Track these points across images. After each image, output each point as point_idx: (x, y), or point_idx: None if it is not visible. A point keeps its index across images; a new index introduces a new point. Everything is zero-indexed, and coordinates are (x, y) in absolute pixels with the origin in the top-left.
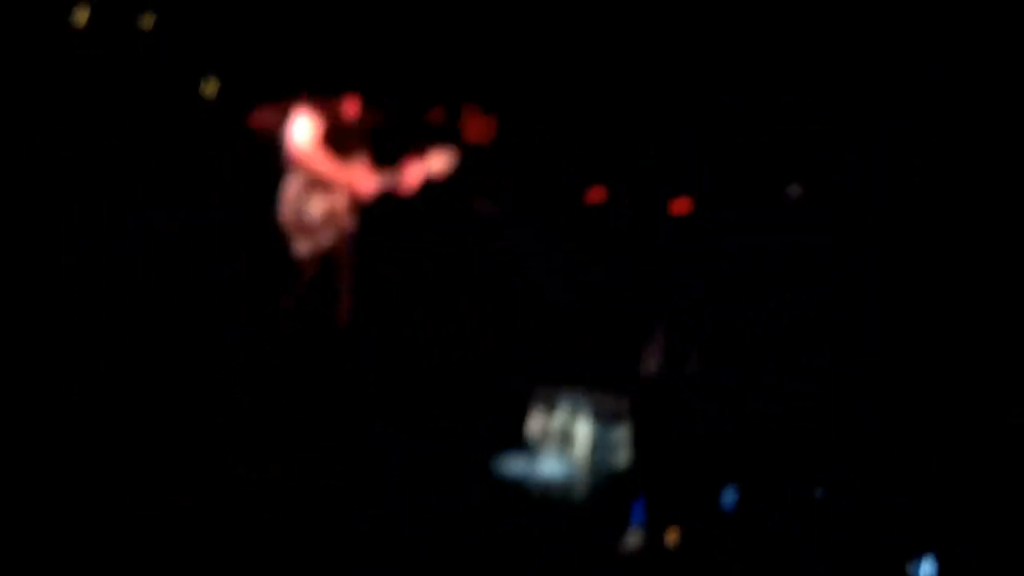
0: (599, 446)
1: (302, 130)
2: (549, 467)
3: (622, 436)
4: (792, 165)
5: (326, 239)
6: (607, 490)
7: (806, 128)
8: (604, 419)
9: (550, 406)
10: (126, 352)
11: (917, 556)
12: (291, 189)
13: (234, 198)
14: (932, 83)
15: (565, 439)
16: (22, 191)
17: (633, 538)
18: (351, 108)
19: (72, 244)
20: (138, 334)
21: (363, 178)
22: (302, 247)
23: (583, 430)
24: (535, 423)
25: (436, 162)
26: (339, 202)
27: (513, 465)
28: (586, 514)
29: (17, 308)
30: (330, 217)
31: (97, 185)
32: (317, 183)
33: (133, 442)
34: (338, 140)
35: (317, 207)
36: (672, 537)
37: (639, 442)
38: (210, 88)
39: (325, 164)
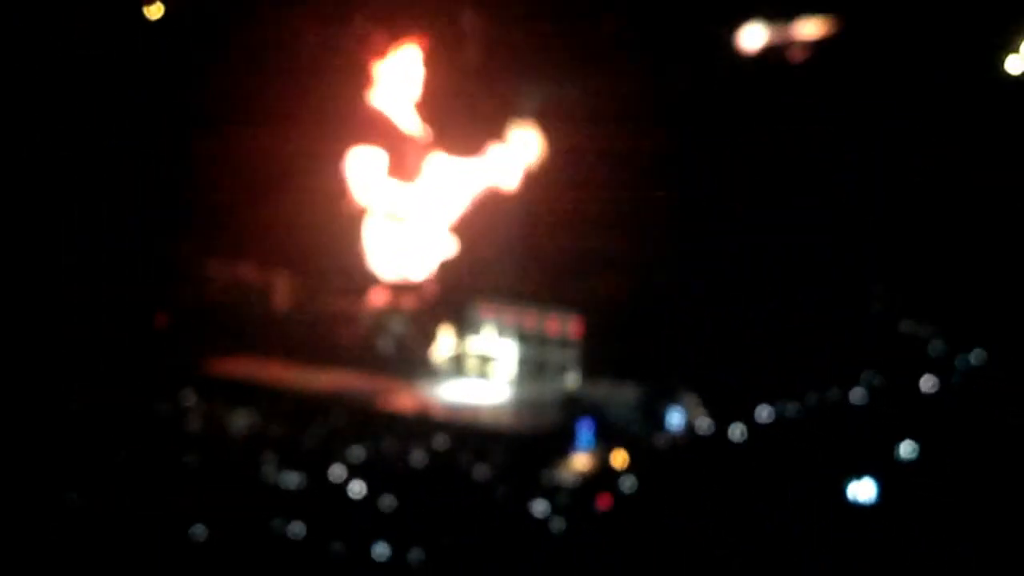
0: (531, 369)
1: (365, 164)
2: (467, 393)
3: (565, 358)
4: (792, 165)
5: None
6: (545, 415)
7: (806, 128)
8: (541, 340)
9: (474, 327)
10: (126, 352)
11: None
12: (371, 234)
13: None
14: (932, 83)
15: (485, 362)
16: (22, 191)
17: (576, 462)
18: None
19: (75, 244)
20: (137, 334)
21: (447, 196)
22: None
23: (508, 352)
24: (453, 345)
25: (522, 150)
26: (425, 231)
27: (413, 393)
28: (518, 441)
29: (17, 308)
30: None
31: (97, 185)
32: (393, 217)
33: (132, 442)
34: (399, 166)
35: (407, 244)
36: (619, 459)
37: (588, 364)
38: (153, 11)
39: (399, 195)
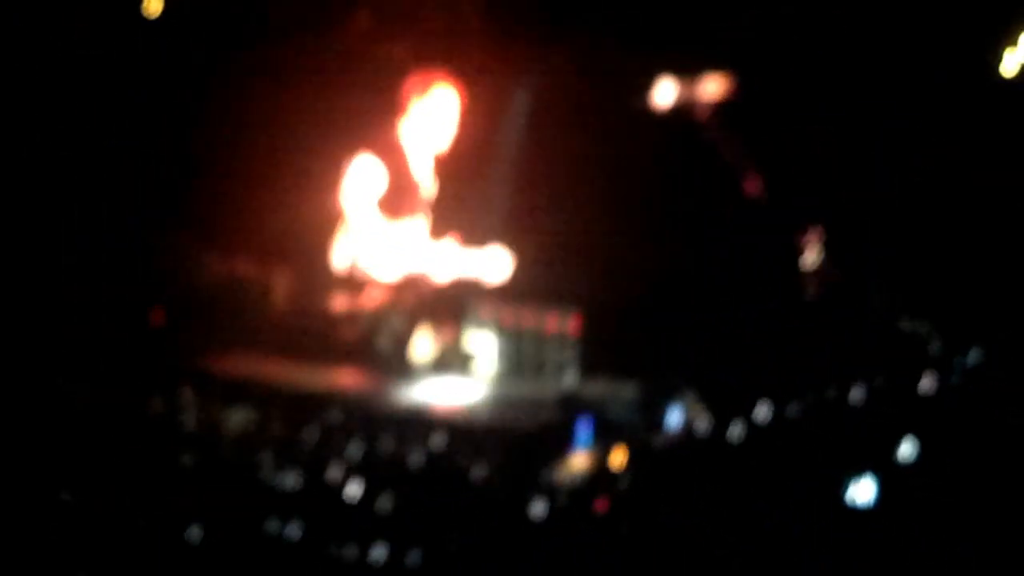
0: (529, 367)
1: (361, 181)
2: (464, 391)
3: (563, 356)
4: (792, 166)
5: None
6: (543, 413)
7: (806, 128)
8: (539, 338)
9: (472, 325)
10: (125, 352)
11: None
12: (346, 243)
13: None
14: (930, 82)
15: (482, 360)
16: (19, 189)
17: (575, 460)
18: (416, 162)
19: (74, 244)
20: (133, 331)
21: (418, 256)
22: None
23: (506, 350)
24: (451, 343)
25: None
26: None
27: (410, 392)
28: (515, 440)
29: (11, 304)
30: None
31: (94, 181)
32: (372, 240)
33: (127, 440)
34: (396, 200)
35: (369, 270)
36: (618, 459)
37: (587, 362)
38: (152, 4)
39: (380, 225)
